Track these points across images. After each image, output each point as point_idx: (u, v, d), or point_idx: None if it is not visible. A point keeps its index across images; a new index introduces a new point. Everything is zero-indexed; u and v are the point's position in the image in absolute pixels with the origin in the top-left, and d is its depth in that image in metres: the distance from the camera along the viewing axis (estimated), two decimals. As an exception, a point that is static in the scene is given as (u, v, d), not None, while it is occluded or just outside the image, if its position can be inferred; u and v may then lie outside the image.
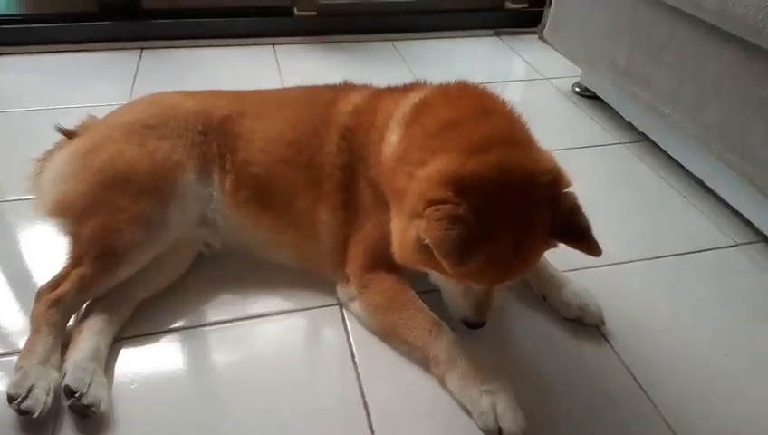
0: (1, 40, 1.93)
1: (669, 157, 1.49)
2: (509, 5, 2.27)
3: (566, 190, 0.83)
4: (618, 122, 1.66)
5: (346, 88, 1.12)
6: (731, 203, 1.31)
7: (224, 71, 1.92)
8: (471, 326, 0.94)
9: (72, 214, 0.97)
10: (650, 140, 1.56)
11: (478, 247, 0.75)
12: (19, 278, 1.08)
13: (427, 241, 0.77)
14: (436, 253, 0.75)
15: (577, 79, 1.86)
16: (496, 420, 0.82)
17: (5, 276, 1.08)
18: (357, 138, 1.01)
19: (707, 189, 1.37)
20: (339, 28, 2.18)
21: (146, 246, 0.98)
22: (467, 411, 0.86)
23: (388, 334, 0.97)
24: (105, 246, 0.94)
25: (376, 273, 0.99)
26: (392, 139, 0.92)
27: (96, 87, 1.76)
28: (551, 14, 1.80)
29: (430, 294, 0.98)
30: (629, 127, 1.63)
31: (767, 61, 1.10)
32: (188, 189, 1.03)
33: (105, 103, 1.62)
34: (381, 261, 0.97)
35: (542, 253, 0.88)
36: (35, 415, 0.80)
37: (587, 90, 1.81)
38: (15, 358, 0.88)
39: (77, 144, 1.06)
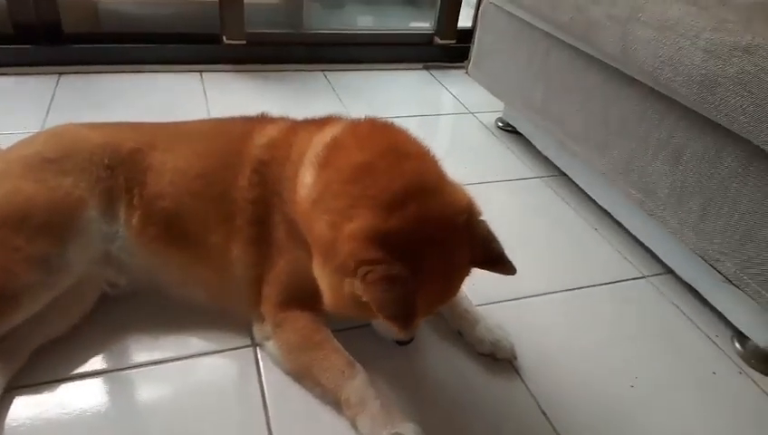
0: None
1: (582, 190, 1.56)
2: (437, 41, 2.34)
3: (479, 220, 0.88)
4: (536, 157, 1.73)
5: (262, 120, 1.11)
6: (638, 236, 1.39)
7: (147, 98, 1.87)
8: (402, 344, 0.99)
9: None
10: (565, 174, 1.63)
11: (416, 299, 0.77)
12: None
13: (365, 300, 0.77)
14: (380, 315, 0.76)
15: (500, 114, 1.93)
16: None
17: None
18: (271, 172, 1.00)
19: (617, 222, 1.44)
20: (268, 57, 2.18)
21: (43, 288, 0.92)
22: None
23: (302, 375, 0.95)
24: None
25: (290, 311, 0.97)
26: (306, 179, 0.91)
27: (6, 114, 1.67)
28: (473, 51, 1.87)
29: (348, 332, 0.97)
30: (546, 161, 1.70)
31: (665, 105, 1.18)
32: (90, 227, 0.98)
33: (15, 132, 1.54)
34: (296, 299, 0.97)
35: (465, 278, 0.91)
36: None
37: (509, 124, 1.88)
38: None
39: None
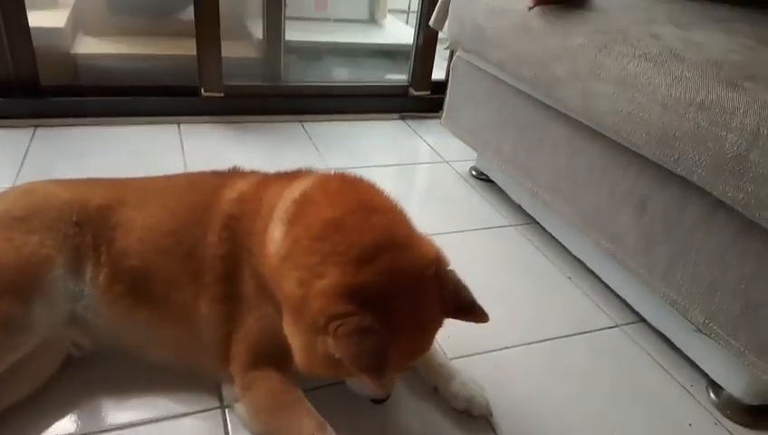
0: None
1: (555, 239, 1.58)
2: (412, 93, 2.40)
3: (448, 270, 0.89)
4: (510, 205, 1.76)
5: (233, 175, 1.11)
6: (610, 285, 1.40)
7: (124, 149, 1.87)
8: (378, 402, 0.97)
9: None
10: (538, 222, 1.65)
11: (389, 351, 0.77)
12: None
13: (338, 356, 0.77)
14: (353, 368, 0.76)
15: (473, 162, 1.96)
16: None
17: None
18: (241, 227, 0.99)
19: (590, 271, 1.46)
20: (247, 108, 2.20)
21: (5, 350, 0.89)
22: None
23: None
24: (-44, 353, 0.86)
25: (260, 371, 0.95)
26: (275, 235, 0.91)
27: (-23, 168, 1.66)
28: (446, 103, 1.92)
29: (320, 390, 0.95)
30: (520, 209, 1.72)
31: (628, 156, 1.22)
32: (56, 286, 0.96)
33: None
34: (266, 358, 0.95)
35: (437, 330, 0.90)
36: None
37: (482, 173, 1.91)
38: None
39: None
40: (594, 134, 1.29)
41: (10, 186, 1.54)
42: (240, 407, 0.96)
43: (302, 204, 0.92)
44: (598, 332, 1.28)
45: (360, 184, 0.97)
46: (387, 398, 0.97)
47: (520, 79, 1.49)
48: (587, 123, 1.30)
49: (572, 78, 1.26)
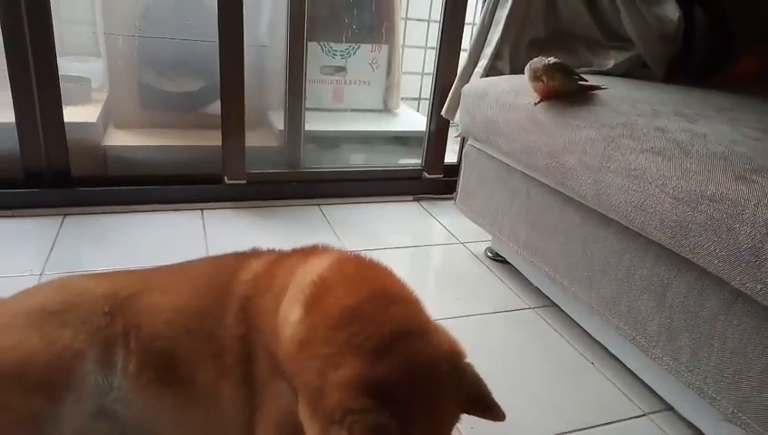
0: None
1: (576, 323, 1.58)
2: (426, 176, 2.48)
3: (466, 363, 0.88)
4: (526, 287, 1.77)
5: (250, 256, 1.14)
6: (635, 371, 1.38)
7: (149, 235, 1.93)
8: None
9: None
10: (557, 305, 1.66)
11: None
12: None
13: None
14: None
15: (488, 244, 2.00)
16: None
17: None
18: (253, 306, 1.02)
19: (612, 356, 1.45)
20: (267, 194, 2.29)
21: None
22: None
23: None
24: (-15, 452, 0.86)
25: None
26: (292, 317, 0.93)
27: (9, 255, 1.71)
28: (459, 188, 1.98)
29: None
30: (538, 292, 1.73)
31: (644, 244, 1.24)
32: (87, 381, 0.97)
33: (17, 274, 1.58)
34: None
35: (453, 425, 0.89)
36: None
37: (498, 254, 1.94)
38: None
39: None
40: (609, 221, 1.33)
41: (39, 272, 1.61)
42: None
43: (320, 287, 0.94)
44: (625, 421, 1.26)
45: (378, 269, 1.00)
46: None
47: (532, 168, 1.55)
48: (600, 211, 1.34)
49: (583, 169, 1.32)
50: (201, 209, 2.18)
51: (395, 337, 0.84)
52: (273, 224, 2.15)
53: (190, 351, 1.02)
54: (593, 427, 1.23)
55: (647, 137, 1.23)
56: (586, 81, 1.53)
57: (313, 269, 0.99)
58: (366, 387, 0.79)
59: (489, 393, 0.89)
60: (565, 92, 1.48)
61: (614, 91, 1.55)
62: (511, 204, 1.69)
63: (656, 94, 1.61)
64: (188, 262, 1.25)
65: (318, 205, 2.33)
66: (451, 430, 0.89)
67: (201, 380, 1.01)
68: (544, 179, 1.53)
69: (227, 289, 1.06)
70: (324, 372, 0.83)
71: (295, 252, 1.12)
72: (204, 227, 2.04)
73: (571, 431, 1.21)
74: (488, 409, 0.89)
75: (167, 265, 1.22)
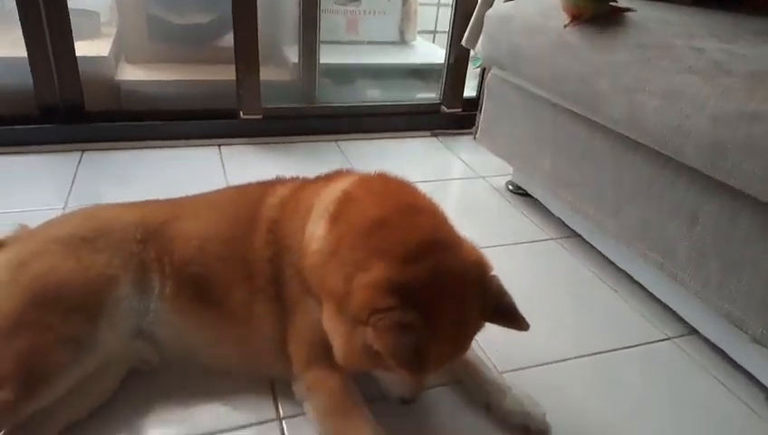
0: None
1: (598, 252, 1.58)
2: (444, 110, 2.43)
3: (491, 274, 0.90)
4: (549, 219, 1.76)
5: (275, 183, 1.16)
6: (659, 297, 1.39)
7: (168, 171, 1.92)
8: (407, 403, 0.98)
9: None
10: (580, 235, 1.65)
11: (428, 350, 0.78)
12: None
13: (377, 349, 0.78)
14: (390, 362, 0.77)
15: (510, 177, 1.97)
16: None
17: None
18: (281, 228, 1.04)
19: (636, 283, 1.45)
20: (284, 130, 2.26)
21: (73, 368, 0.92)
22: None
23: None
24: (30, 369, 0.88)
25: (318, 371, 0.98)
26: (318, 232, 0.94)
27: (31, 191, 1.72)
28: (480, 120, 1.94)
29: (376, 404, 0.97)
30: (560, 223, 1.73)
31: (676, 168, 1.22)
32: (122, 305, 1.00)
33: (40, 208, 1.59)
34: (320, 356, 0.97)
35: (476, 334, 0.92)
36: None
37: (519, 187, 1.92)
38: None
39: (5, 257, 1.02)
40: (639, 146, 1.30)
41: (62, 207, 1.61)
42: (306, 407, 0.99)
43: (345, 202, 0.95)
44: (649, 345, 1.27)
45: (401, 184, 1.00)
46: (415, 399, 0.98)
47: (560, 95, 1.50)
48: (632, 137, 1.31)
49: (616, 92, 1.28)
50: (218, 145, 2.16)
51: (423, 244, 0.85)
52: (291, 159, 2.13)
53: (222, 274, 1.04)
54: (618, 350, 1.25)
55: (684, 57, 1.18)
56: (616, 2, 1.46)
57: (338, 188, 0.99)
58: (392, 287, 0.80)
59: (514, 304, 0.91)
60: (596, 14, 1.42)
61: (645, 14, 1.47)
62: (536, 134, 1.65)
63: (687, 17, 1.53)
64: (214, 191, 1.25)
65: (335, 140, 2.30)
66: (473, 336, 0.91)
67: (234, 301, 1.03)
68: (573, 106, 1.49)
69: (255, 214, 1.07)
70: (351, 276, 0.84)
71: (319, 178, 1.13)
72: (222, 163, 2.03)
73: (593, 354, 1.23)
74: (512, 319, 0.90)
75: (193, 195, 1.22)
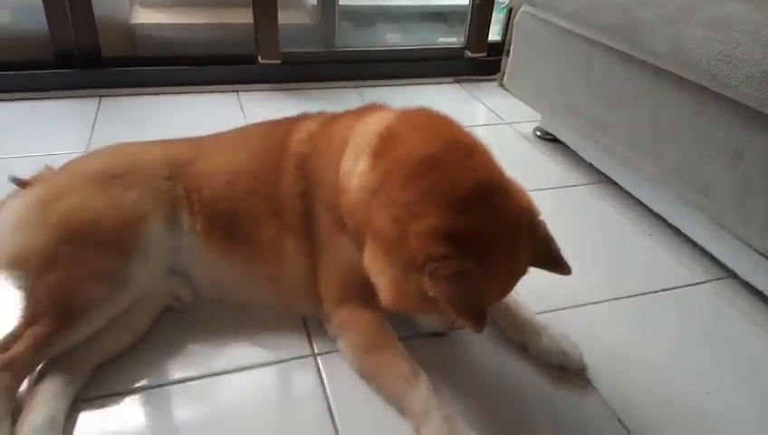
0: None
1: (632, 196, 1.53)
2: (468, 54, 2.35)
3: (540, 220, 0.88)
4: (579, 164, 1.71)
5: (302, 118, 1.12)
6: (696, 240, 1.35)
7: (187, 117, 1.89)
8: (439, 336, 0.99)
9: (29, 268, 0.91)
10: (612, 180, 1.61)
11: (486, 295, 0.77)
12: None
13: (432, 295, 0.76)
14: (450, 311, 0.75)
15: (537, 123, 1.92)
16: None
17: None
18: (311, 162, 1.00)
19: (672, 227, 1.41)
20: (303, 75, 2.20)
21: (107, 303, 0.92)
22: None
23: (367, 377, 0.94)
24: (64, 303, 0.88)
25: (350, 308, 0.96)
26: (359, 168, 0.91)
27: (52, 135, 1.70)
28: (509, 63, 1.87)
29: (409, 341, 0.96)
30: (591, 168, 1.68)
31: (720, 104, 1.16)
32: (153, 242, 0.98)
33: (62, 152, 1.57)
34: (351, 293, 0.96)
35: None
36: None
37: (547, 133, 1.87)
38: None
39: (34, 193, 1.01)
40: (683, 82, 1.24)
41: (84, 151, 1.59)
42: (339, 344, 0.98)
43: (389, 137, 0.90)
44: (686, 288, 1.24)
45: (446, 120, 0.96)
46: (447, 333, 0.99)
47: (597, 29, 1.43)
48: (674, 71, 1.24)
49: (660, 22, 1.21)
50: (237, 91, 2.11)
51: (478, 189, 0.82)
52: (311, 106, 2.03)
53: (251, 210, 1.02)
54: (654, 292, 1.22)
55: (736, -17, 1.11)
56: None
57: (377, 123, 0.95)
58: (449, 235, 0.77)
59: (558, 249, 0.89)
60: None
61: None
62: (568, 74, 1.59)
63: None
64: (238, 128, 1.22)
65: (355, 87, 2.24)
66: (518, 281, 0.88)
67: (264, 237, 1.02)
68: (610, 41, 1.42)
69: (283, 149, 1.04)
70: (403, 220, 0.81)
71: (349, 112, 1.08)
72: (242, 109, 1.99)
73: (628, 296, 1.20)
74: (557, 264, 0.89)
75: (215, 134, 1.19)
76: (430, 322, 0.97)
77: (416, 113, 0.97)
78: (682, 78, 1.23)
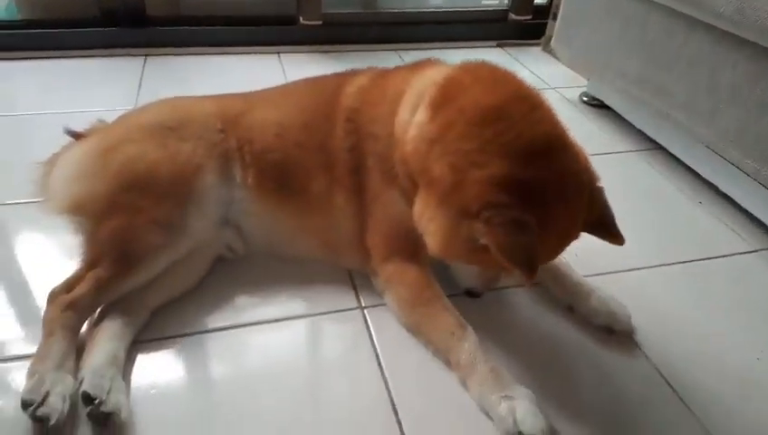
0: (1, 45, 1.91)
1: (682, 163, 1.50)
2: (512, 17, 2.29)
3: (599, 186, 0.87)
4: (627, 130, 1.67)
5: (352, 73, 1.12)
6: (747, 208, 1.32)
7: (229, 78, 1.90)
8: (474, 296, 0.98)
9: (90, 214, 0.94)
10: (661, 147, 1.57)
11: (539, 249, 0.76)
12: (25, 281, 1.05)
13: (482, 242, 0.76)
14: (501, 259, 0.75)
15: (583, 89, 1.87)
16: (516, 424, 0.79)
17: (11, 279, 1.05)
18: (363, 116, 1.00)
19: (723, 195, 1.38)
20: (344, 37, 2.18)
21: (164, 250, 0.95)
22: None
23: (414, 331, 0.95)
24: (123, 249, 0.91)
25: (398, 263, 0.97)
26: (417, 118, 0.90)
27: (101, 92, 1.74)
28: (557, 25, 1.81)
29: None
30: (640, 134, 1.64)
31: (784, 67, 1.12)
32: (208, 193, 1.00)
33: (112, 108, 1.59)
34: (399, 248, 0.97)
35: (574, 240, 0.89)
36: (51, 422, 0.76)
37: (594, 99, 1.82)
38: (15, 364, 0.86)
39: (92, 143, 1.03)
40: (744, 43, 1.19)
41: (132, 107, 1.61)
42: (386, 299, 0.99)
43: (450, 88, 0.89)
44: (737, 256, 1.22)
45: (511, 75, 0.93)
46: (482, 294, 0.98)
47: (655, -12, 1.38)
48: (736, 32, 1.19)
49: (727, -20, 1.15)
50: (278, 53, 2.11)
51: (542, 143, 0.80)
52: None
53: (302, 163, 1.03)
54: (704, 259, 1.20)
55: (812, -64, 1.05)
56: None
57: (436, 75, 0.93)
58: (509, 185, 0.77)
59: (614, 218, 0.88)
60: None
61: None
62: (622, 36, 1.54)
63: None
64: (288, 83, 1.22)
65: (396, 50, 2.21)
66: (571, 242, 0.87)
67: (314, 190, 1.03)
68: (669, 1, 1.36)
69: (333, 103, 1.04)
70: (462, 168, 0.80)
71: (402, 67, 1.08)
72: (283, 71, 1.99)
73: (677, 263, 1.18)
74: (612, 232, 0.88)
75: (266, 89, 1.20)
76: (468, 278, 0.97)
77: (478, 65, 0.95)
78: (743, 40, 1.18)
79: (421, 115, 0.89)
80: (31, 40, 1.94)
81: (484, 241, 0.77)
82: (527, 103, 0.85)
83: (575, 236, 0.86)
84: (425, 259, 0.95)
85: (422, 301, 0.95)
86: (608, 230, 0.88)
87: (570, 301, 1.03)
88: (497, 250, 0.75)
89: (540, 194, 0.78)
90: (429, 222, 0.86)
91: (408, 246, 0.93)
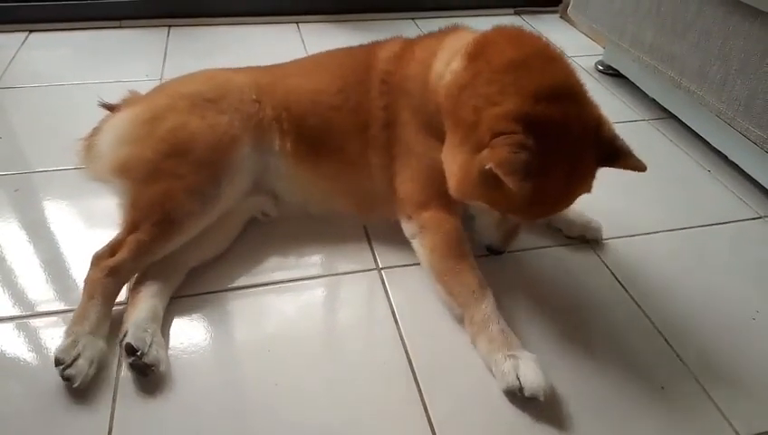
0: (30, 17, 1.97)
1: (693, 132, 1.52)
2: (531, -16, 2.29)
3: (608, 124, 0.92)
4: (641, 99, 1.69)
5: (382, 42, 1.18)
6: (754, 177, 1.35)
7: (251, 48, 1.95)
8: (494, 253, 1.05)
9: (133, 177, 1.00)
10: (674, 116, 1.59)
11: (536, 178, 0.80)
12: (65, 243, 1.12)
13: (489, 167, 0.81)
14: (499, 172, 0.80)
15: (599, 57, 1.88)
16: (518, 380, 0.85)
17: (51, 240, 1.13)
18: (397, 77, 1.07)
19: (731, 164, 1.41)
20: (361, 6, 2.21)
21: (200, 216, 1.01)
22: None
23: (437, 279, 1.00)
24: (164, 213, 0.97)
25: (433, 211, 1.03)
26: (453, 67, 0.97)
27: (129, 63, 1.79)
28: (574, -8, 1.82)
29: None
30: (653, 103, 1.66)
31: (795, 37, 1.13)
32: (243, 164, 1.07)
33: (140, 79, 1.66)
34: (435, 196, 1.02)
35: (585, 190, 0.93)
36: (75, 385, 0.83)
37: (610, 67, 1.84)
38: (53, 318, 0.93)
39: (137, 110, 1.09)
40: (758, 14, 1.20)
41: (158, 79, 1.68)
42: (416, 243, 1.05)
43: (484, 44, 0.97)
44: (741, 222, 1.26)
45: (539, 38, 1.00)
46: (504, 251, 1.04)
47: (671, -44, 1.38)
48: (750, 3, 1.21)
49: (741, -51, 1.16)
50: (296, 23, 2.14)
51: (554, 89, 0.86)
52: (369, 37, 2.01)
53: (338, 124, 1.10)
54: (710, 225, 1.24)
55: None
56: None
57: (469, 35, 1.02)
58: (519, 118, 0.83)
59: (627, 146, 0.91)
60: None
61: None
62: (637, 3, 1.54)
63: None
64: (311, 56, 1.27)
65: (413, 18, 2.23)
66: (580, 192, 0.92)
67: (350, 149, 1.10)
68: (684, -30, 1.37)
69: (367, 67, 1.11)
70: (482, 108, 0.88)
71: (432, 33, 1.14)
72: (303, 41, 2.02)
73: (683, 228, 1.23)
74: (628, 160, 0.91)
75: (291, 60, 1.25)
76: (488, 232, 1.03)
77: (511, 28, 1.02)
78: (757, 10, 1.20)
79: (456, 64, 0.97)
80: (56, 11, 1.99)
81: (488, 166, 0.81)
82: (549, 58, 0.93)
83: (582, 183, 0.91)
84: (458, 213, 1.02)
85: (453, 254, 1.00)
86: (623, 159, 0.91)
87: (554, 223, 1.16)
88: (496, 165, 0.80)
89: (547, 129, 0.83)
90: (451, 163, 0.93)
91: (444, 194, 0.98)
